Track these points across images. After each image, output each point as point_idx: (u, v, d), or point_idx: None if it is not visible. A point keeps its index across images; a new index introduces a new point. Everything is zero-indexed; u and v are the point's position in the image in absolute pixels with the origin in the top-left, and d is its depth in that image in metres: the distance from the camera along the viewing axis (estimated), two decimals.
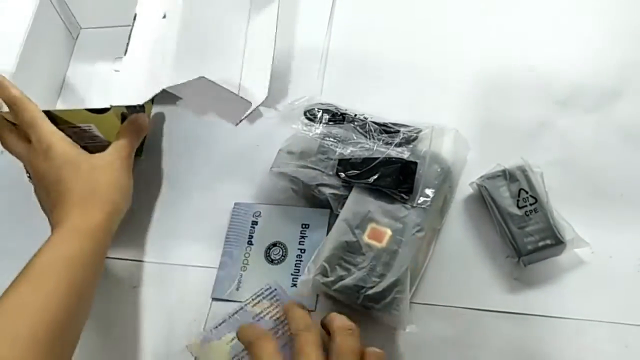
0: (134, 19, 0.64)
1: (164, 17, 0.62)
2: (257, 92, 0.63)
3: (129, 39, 0.63)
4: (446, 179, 0.59)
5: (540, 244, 0.56)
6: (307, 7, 0.77)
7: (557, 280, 0.57)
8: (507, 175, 0.59)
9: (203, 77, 0.56)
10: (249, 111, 0.61)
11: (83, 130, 0.64)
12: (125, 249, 0.65)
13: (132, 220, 0.64)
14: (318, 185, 0.60)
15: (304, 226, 0.63)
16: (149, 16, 0.64)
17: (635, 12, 0.70)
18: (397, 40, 0.73)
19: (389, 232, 0.56)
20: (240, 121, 0.62)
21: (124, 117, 0.65)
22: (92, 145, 0.66)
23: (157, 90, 0.57)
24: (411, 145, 0.60)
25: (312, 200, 0.63)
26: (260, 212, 0.65)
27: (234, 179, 0.67)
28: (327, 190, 0.60)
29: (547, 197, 0.57)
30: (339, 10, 0.77)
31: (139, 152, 0.68)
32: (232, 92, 0.60)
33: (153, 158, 0.71)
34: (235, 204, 0.65)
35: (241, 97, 0.60)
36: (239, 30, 0.69)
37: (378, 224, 0.57)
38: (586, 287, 0.56)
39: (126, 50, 0.62)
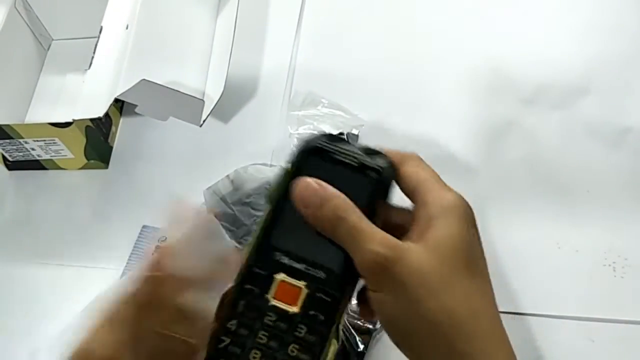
0: (100, 32, 0.65)
1: (127, 28, 0.62)
2: (213, 90, 0.62)
3: (94, 52, 0.63)
4: None
5: None
6: (274, 22, 0.77)
7: (522, 276, 0.57)
8: None
9: (144, 79, 0.56)
10: (209, 110, 0.60)
11: (48, 144, 0.64)
12: (93, 259, 0.64)
13: (99, 230, 0.65)
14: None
15: None
16: (113, 28, 0.64)
17: (600, 10, 0.71)
18: (362, 51, 0.73)
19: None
20: (204, 121, 0.61)
21: (88, 130, 0.65)
22: (58, 158, 0.67)
23: (111, 101, 0.57)
24: None
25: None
26: (166, 238, 0.62)
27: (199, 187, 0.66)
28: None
29: None
30: (306, 25, 0.76)
31: (105, 162, 0.69)
32: (178, 91, 0.59)
33: (120, 168, 0.70)
34: (144, 226, 0.63)
35: (191, 96, 0.59)
36: (201, 34, 0.69)
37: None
38: (552, 283, 0.56)
39: (90, 64, 0.62)
